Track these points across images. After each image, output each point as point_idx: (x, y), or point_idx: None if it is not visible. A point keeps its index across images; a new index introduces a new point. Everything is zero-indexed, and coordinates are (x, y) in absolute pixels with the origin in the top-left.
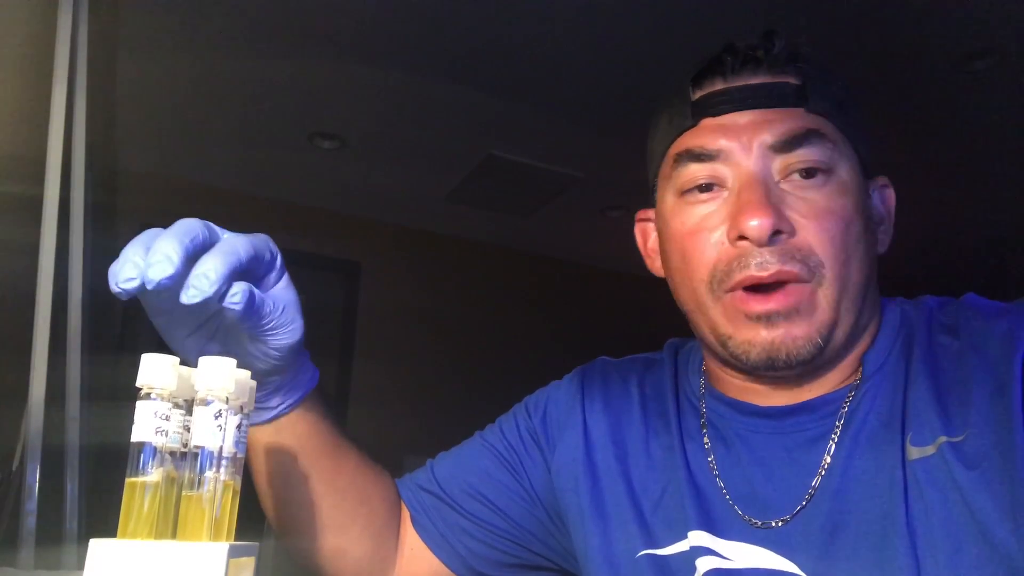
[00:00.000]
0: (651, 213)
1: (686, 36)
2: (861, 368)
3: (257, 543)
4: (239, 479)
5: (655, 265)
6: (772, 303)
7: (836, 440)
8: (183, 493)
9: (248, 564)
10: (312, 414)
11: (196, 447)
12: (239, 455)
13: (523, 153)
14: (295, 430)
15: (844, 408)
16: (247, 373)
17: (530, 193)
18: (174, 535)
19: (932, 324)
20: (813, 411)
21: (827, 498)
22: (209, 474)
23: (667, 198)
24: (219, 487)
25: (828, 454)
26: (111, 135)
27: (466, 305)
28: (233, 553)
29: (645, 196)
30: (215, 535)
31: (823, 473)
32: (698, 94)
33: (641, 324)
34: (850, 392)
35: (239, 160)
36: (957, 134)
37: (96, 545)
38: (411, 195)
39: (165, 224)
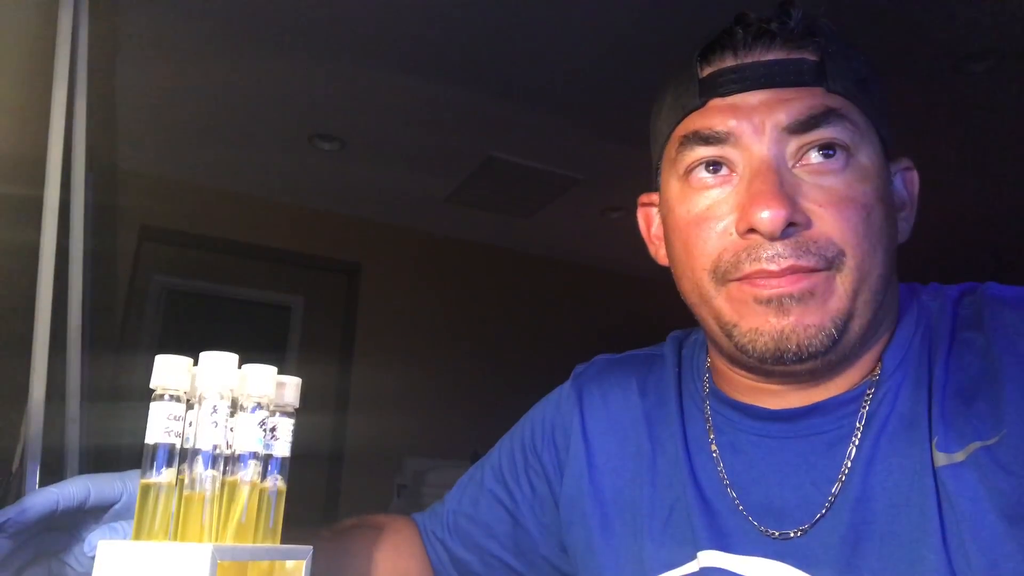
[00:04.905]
0: (655, 197)
1: (689, 38)
2: (880, 364)
3: (311, 547)
4: (278, 480)
5: (659, 253)
6: (785, 284)
7: (857, 443)
8: (185, 493)
9: (297, 568)
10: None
11: (196, 447)
12: (271, 454)
13: (523, 154)
14: None
15: (864, 408)
16: (264, 368)
17: (530, 194)
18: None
19: (955, 317)
20: (830, 412)
21: (849, 506)
22: (207, 473)
23: (672, 183)
24: (217, 485)
25: (848, 458)
26: (111, 136)
27: (466, 306)
28: (249, 555)
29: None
30: (218, 535)
31: (843, 479)
32: (706, 71)
33: (642, 325)
34: (868, 390)
35: (239, 161)
36: (955, 136)
37: (104, 546)
38: (411, 196)
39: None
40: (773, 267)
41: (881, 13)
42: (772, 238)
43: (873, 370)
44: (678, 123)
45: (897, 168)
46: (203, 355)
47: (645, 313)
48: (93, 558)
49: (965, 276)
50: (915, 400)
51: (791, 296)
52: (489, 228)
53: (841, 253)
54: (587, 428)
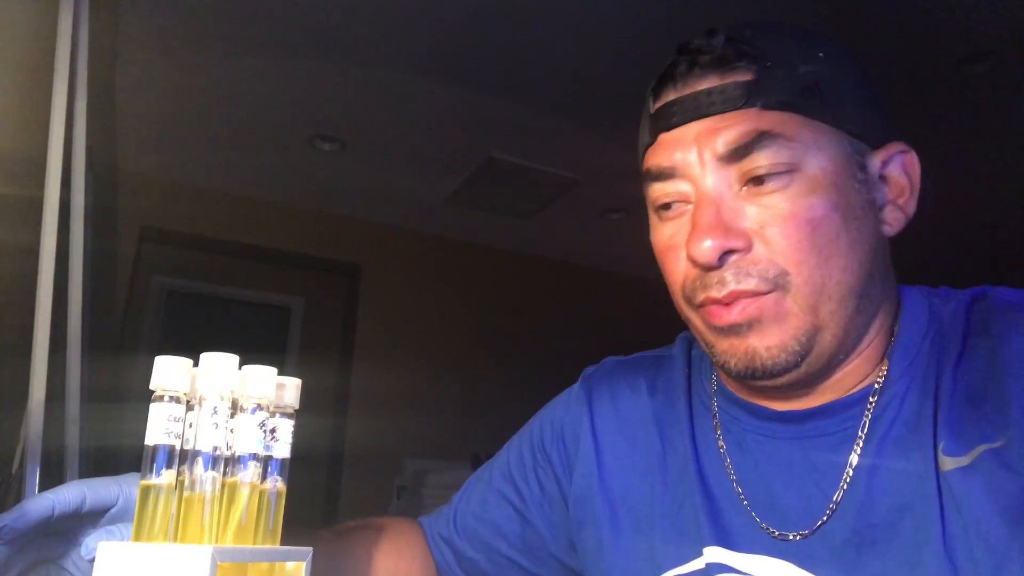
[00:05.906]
0: None
1: (689, 38)
2: (886, 366)
3: (310, 548)
4: (278, 481)
5: None
6: (733, 315)
7: (861, 446)
8: (185, 494)
9: (296, 570)
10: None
11: (196, 448)
12: (271, 455)
13: (523, 156)
14: None
15: (869, 411)
16: (264, 369)
17: (530, 196)
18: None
19: (967, 323)
20: (835, 414)
21: (852, 509)
22: (207, 474)
23: (650, 214)
24: (217, 486)
25: (852, 461)
26: (111, 137)
27: (466, 308)
28: (251, 557)
29: (644, 199)
30: (218, 537)
31: (847, 481)
32: (656, 106)
33: (642, 326)
34: (873, 393)
35: (239, 162)
36: (956, 137)
37: (105, 548)
38: (411, 197)
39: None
40: (718, 294)
41: (882, 15)
42: (709, 269)
43: (876, 370)
44: (642, 159)
45: (890, 153)
46: (204, 356)
47: (645, 314)
48: (91, 562)
49: (966, 276)
50: (921, 405)
51: (739, 325)
52: (489, 229)
53: (784, 273)
54: (596, 428)
